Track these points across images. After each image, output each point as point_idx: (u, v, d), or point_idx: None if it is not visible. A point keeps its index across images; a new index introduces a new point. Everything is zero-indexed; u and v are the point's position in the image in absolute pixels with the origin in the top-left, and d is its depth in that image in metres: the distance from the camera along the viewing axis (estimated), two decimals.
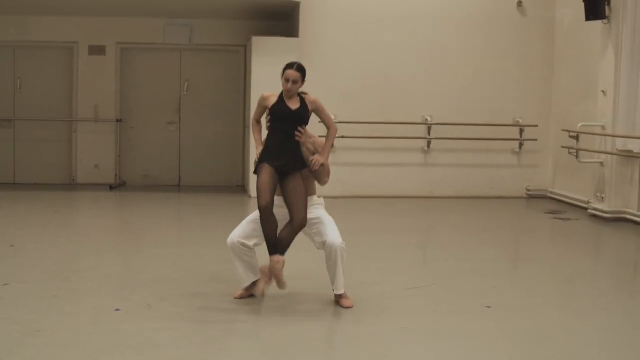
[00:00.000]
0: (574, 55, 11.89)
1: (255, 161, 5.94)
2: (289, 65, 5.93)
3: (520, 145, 12.52)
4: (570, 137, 10.81)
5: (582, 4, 11.26)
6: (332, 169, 12.29)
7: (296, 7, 12.09)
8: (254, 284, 6.02)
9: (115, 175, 13.34)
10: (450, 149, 12.45)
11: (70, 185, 13.33)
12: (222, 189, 13.25)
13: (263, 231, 5.79)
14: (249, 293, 6.13)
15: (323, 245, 5.96)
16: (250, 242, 5.95)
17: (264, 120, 6.10)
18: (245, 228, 5.99)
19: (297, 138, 5.92)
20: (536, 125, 12.43)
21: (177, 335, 5.28)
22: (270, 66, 11.83)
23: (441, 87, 12.41)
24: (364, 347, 5.23)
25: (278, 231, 5.85)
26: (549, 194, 12.51)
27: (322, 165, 6.01)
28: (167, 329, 5.42)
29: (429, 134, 12.34)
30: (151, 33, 13.33)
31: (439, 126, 12.31)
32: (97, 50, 13.29)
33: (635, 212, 10.16)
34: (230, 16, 13.28)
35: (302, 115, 5.93)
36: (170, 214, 11.35)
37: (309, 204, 5.96)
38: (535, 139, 12.45)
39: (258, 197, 5.76)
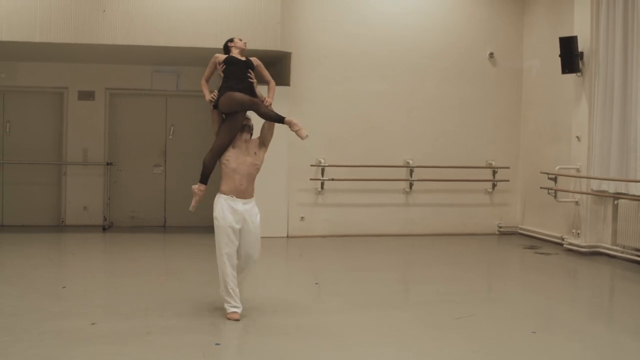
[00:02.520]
0: (542, 103, 13.00)
1: (211, 100, 7.19)
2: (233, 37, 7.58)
3: (494, 185, 13.53)
4: (549, 179, 11.83)
5: (548, 57, 12.52)
6: (320, 209, 13.19)
7: (287, 57, 12.84)
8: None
9: (104, 217, 13.70)
10: (429, 190, 13.34)
11: (60, 227, 13.63)
12: (206, 229, 13.68)
13: (262, 112, 7.10)
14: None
15: (243, 255, 7.20)
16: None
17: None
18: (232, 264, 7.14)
19: (250, 79, 7.22)
20: (508, 167, 13.47)
21: None
22: None
23: (421, 132, 13.35)
24: None
25: None
26: (519, 231, 13.55)
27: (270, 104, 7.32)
28: None
29: (411, 176, 13.20)
30: (139, 79, 13.86)
31: (418, 168, 13.20)
32: (86, 95, 13.74)
33: (609, 246, 11.25)
34: None
35: (248, 63, 7.33)
36: (177, 254, 11.74)
37: (251, 204, 7.21)
38: (508, 180, 13.49)
39: (236, 98, 7.00)
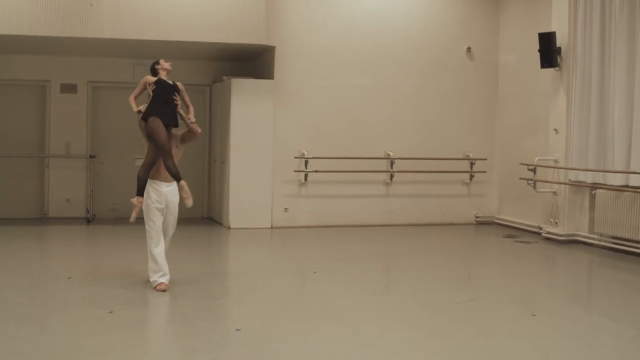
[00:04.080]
0: (519, 97, 13.41)
1: (138, 112, 8.10)
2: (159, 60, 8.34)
3: (471, 177, 13.92)
4: (529, 169, 12.23)
5: (525, 52, 12.95)
6: (303, 201, 13.46)
7: (271, 50, 13.05)
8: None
9: (87, 209, 13.76)
10: (409, 181, 13.67)
11: (43, 219, 13.67)
12: (188, 220, 13.82)
13: (167, 164, 7.94)
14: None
15: (166, 234, 8.24)
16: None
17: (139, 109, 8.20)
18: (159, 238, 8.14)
19: (175, 102, 8.12)
20: (485, 159, 13.88)
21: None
22: (249, 105, 12.91)
23: (401, 125, 13.67)
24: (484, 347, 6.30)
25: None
26: (495, 221, 13.97)
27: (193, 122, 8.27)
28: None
29: (391, 168, 13.51)
30: (121, 72, 13.90)
31: (399, 160, 13.51)
32: (68, 88, 13.77)
33: (586, 234, 11.71)
34: (196, 57, 14.06)
35: (175, 87, 8.22)
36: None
37: (172, 187, 8.11)
38: (485, 171, 13.89)
39: (159, 135, 7.92)
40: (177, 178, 8.03)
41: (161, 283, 7.98)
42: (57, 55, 13.63)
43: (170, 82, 8.22)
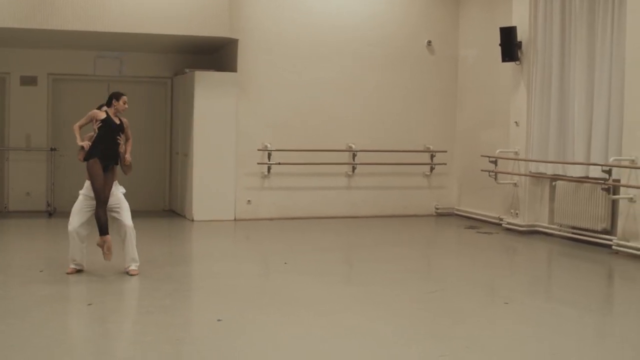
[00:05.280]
0: (479, 90, 13.64)
1: (81, 148, 8.44)
2: (122, 93, 8.57)
3: (432, 169, 14.13)
4: (490, 161, 12.45)
5: (485, 46, 13.19)
6: (266, 193, 13.54)
7: (234, 43, 13.06)
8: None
9: (47, 202, 13.64)
10: (371, 173, 13.81)
11: (2, 213, 13.52)
12: (150, 213, 13.82)
13: (98, 212, 8.24)
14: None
15: (119, 224, 8.41)
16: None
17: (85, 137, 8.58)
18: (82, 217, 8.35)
19: (118, 141, 8.46)
20: (446, 151, 14.09)
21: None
22: (212, 98, 12.95)
23: (363, 117, 13.80)
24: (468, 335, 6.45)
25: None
26: (455, 212, 14.20)
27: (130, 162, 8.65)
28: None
29: (353, 160, 13.64)
30: (82, 65, 13.82)
31: (361, 153, 13.64)
32: (29, 80, 13.63)
33: (546, 224, 11.98)
34: (158, 50, 14.01)
35: (122, 128, 8.56)
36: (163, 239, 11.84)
37: (114, 187, 8.47)
38: (445, 164, 14.11)
39: (96, 183, 8.23)
40: (105, 231, 8.25)
41: (73, 268, 8.38)
42: (17, 48, 13.48)
43: (117, 121, 8.46)
